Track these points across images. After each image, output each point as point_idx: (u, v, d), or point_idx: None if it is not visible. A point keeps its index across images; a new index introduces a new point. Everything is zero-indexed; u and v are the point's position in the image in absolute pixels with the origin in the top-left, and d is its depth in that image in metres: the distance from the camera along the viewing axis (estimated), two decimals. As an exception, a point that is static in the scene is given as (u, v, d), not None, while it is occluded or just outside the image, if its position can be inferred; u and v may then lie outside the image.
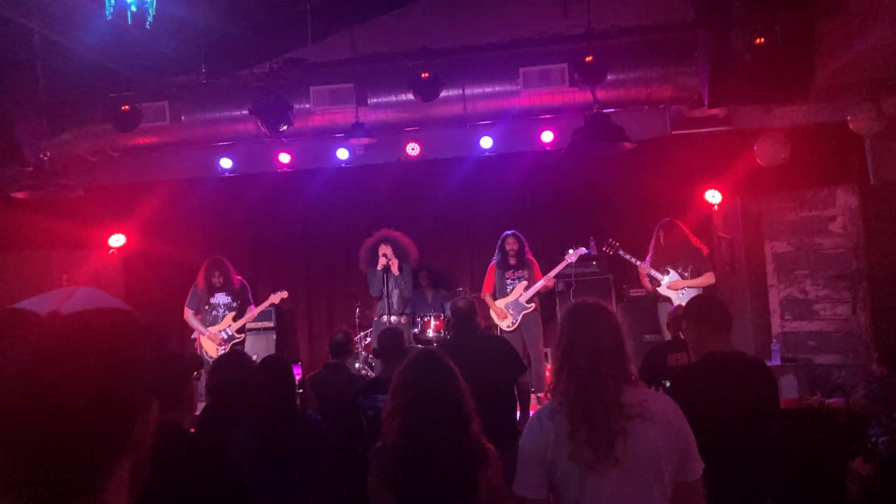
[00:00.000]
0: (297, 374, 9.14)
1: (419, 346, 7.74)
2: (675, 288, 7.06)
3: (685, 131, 8.19)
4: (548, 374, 6.14)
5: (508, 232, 7.68)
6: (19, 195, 5.89)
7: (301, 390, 6.42)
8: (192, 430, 3.28)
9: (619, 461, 2.21)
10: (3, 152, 5.80)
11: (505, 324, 7.55)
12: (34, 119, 6.20)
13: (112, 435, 0.89)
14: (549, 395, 2.44)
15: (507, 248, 7.59)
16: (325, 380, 4.94)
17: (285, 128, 6.79)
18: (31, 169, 5.94)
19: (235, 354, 4.59)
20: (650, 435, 2.25)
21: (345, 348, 5.11)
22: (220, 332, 7.32)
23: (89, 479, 0.87)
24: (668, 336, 6.81)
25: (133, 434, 0.92)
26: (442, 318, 8.07)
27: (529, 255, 7.73)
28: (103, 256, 8.97)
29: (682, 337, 5.05)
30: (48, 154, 5.77)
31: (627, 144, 6.12)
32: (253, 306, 7.52)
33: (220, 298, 7.40)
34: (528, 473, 2.34)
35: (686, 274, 7.13)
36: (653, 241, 7.38)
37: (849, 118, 6.89)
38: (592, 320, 2.40)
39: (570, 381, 2.33)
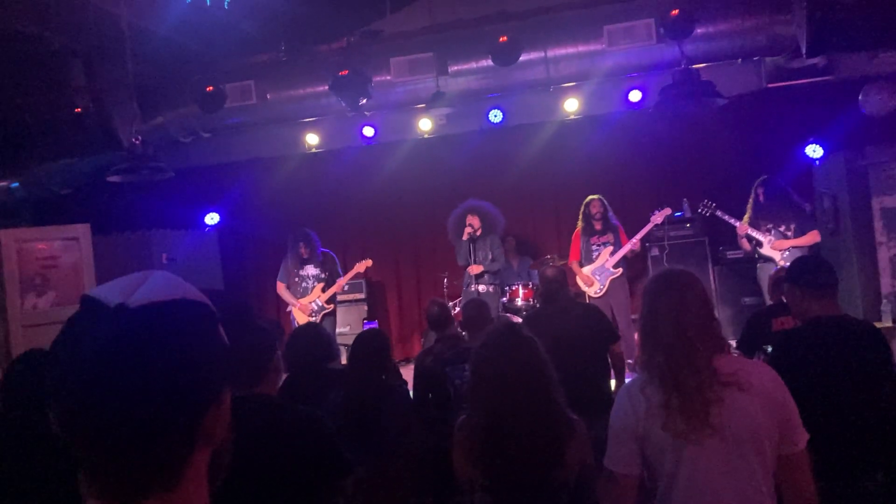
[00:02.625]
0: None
1: (507, 314, 7.71)
2: (779, 248, 6.73)
3: (782, 83, 7.78)
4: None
5: (591, 196, 7.49)
6: (114, 179, 6.12)
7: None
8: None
9: (715, 430, 2.11)
10: (101, 138, 6.04)
11: (592, 290, 7.41)
12: (127, 104, 6.42)
13: (183, 429, 0.88)
14: (638, 368, 2.36)
15: (592, 212, 7.42)
16: (441, 355, 4.82)
17: (364, 101, 6.80)
18: (123, 154, 6.16)
19: (310, 327, 4.64)
20: (747, 405, 2.14)
21: (442, 320, 5.03)
22: (311, 303, 7.48)
23: (164, 474, 0.88)
24: (769, 299, 6.55)
25: (206, 426, 0.91)
26: (530, 286, 8.00)
27: (614, 220, 7.53)
28: (200, 235, 9.29)
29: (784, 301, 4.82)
30: (139, 138, 5.96)
31: (719, 100, 5.83)
32: (341, 277, 7.65)
33: (309, 270, 7.57)
34: (619, 448, 2.27)
35: (789, 233, 6.80)
36: (751, 199, 7.05)
37: (965, 59, 6.38)
38: (677, 288, 2.29)
39: (657, 351, 2.24)
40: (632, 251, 7.43)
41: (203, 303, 0.94)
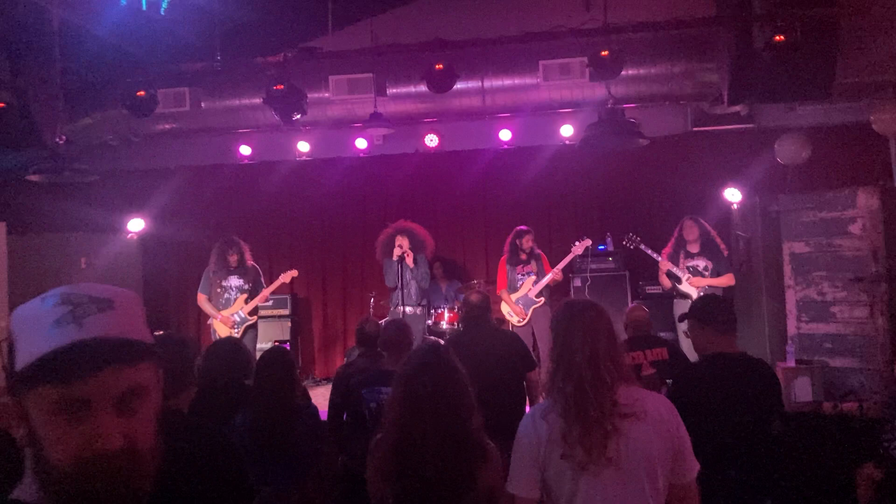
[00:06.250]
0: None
1: (432, 337, 7.75)
2: (696, 286, 6.98)
3: (706, 128, 8.11)
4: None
5: (524, 228, 7.61)
6: (34, 178, 5.94)
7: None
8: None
9: (611, 461, 2.19)
10: (22, 136, 5.85)
11: (515, 319, 7.53)
12: (54, 103, 6.25)
13: None
14: (544, 394, 2.43)
15: (524, 246, 7.54)
16: (365, 369, 4.85)
17: (299, 117, 6.79)
18: (46, 153, 5.98)
19: (228, 341, 4.60)
20: (643, 434, 2.23)
21: (373, 340, 5.06)
22: (232, 315, 7.36)
23: None
24: (681, 334, 6.77)
25: None
26: (455, 310, 8.08)
27: (537, 249, 7.71)
28: (122, 240, 9.06)
29: (635, 335, 5.07)
30: (64, 138, 5.80)
31: (641, 140, 6.04)
32: (265, 288, 7.56)
33: (233, 281, 7.44)
34: (520, 472, 2.33)
35: (706, 273, 7.06)
36: (674, 236, 7.30)
37: (872, 118, 6.77)
38: (587, 318, 2.38)
39: (568, 380, 2.31)
40: (554, 280, 7.58)
41: None
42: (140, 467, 1.09)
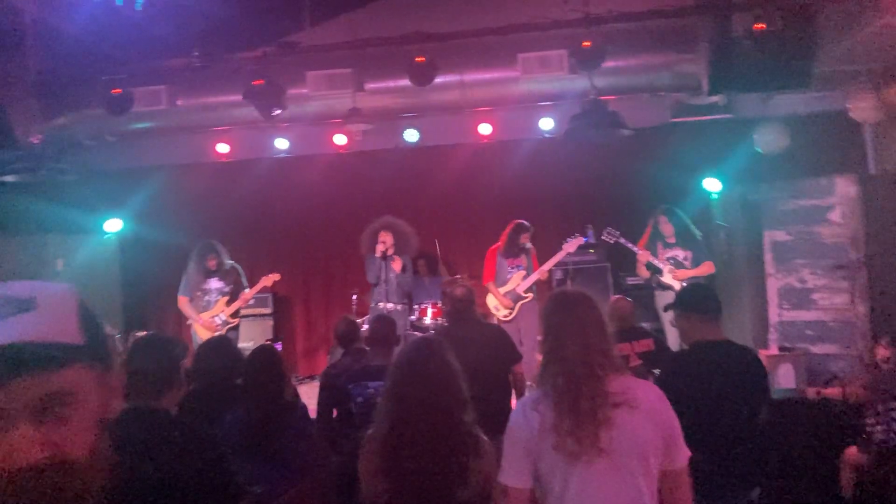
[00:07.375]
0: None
1: (416, 333, 7.72)
2: (679, 278, 7.00)
3: (685, 119, 8.13)
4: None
5: (525, 224, 7.51)
6: (8, 179, 5.85)
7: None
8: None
9: (603, 451, 2.19)
10: (-5, 135, 5.76)
11: (502, 313, 7.46)
12: (28, 102, 6.14)
13: None
14: (535, 384, 2.42)
15: (521, 241, 7.46)
16: (349, 368, 4.84)
17: (279, 112, 6.73)
18: (20, 153, 5.89)
19: (219, 340, 4.57)
20: (635, 423, 2.24)
21: (349, 336, 5.04)
22: (214, 317, 7.29)
23: None
24: (665, 324, 6.81)
25: None
26: (439, 305, 8.04)
27: (528, 243, 7.67)
28: (99, 241, 8.94)
29: (620, 328, 5.10)
30: (39, 137, 5.71)
31: (625, 131, 6.05)
32: (246, 290, 7.48)
33: (213, 283, 7.37)
34: (512, 463, 2.33)
35: (686, 263, 7.09)
36: (649, 228, 7.32)
37: (849, 106, 6.83)
38: (580, 310, 2.38)
39: (560, 371, 2.31)
40: (539, 278, 7.53)
41: None
42: (75, 477, 1.01)
